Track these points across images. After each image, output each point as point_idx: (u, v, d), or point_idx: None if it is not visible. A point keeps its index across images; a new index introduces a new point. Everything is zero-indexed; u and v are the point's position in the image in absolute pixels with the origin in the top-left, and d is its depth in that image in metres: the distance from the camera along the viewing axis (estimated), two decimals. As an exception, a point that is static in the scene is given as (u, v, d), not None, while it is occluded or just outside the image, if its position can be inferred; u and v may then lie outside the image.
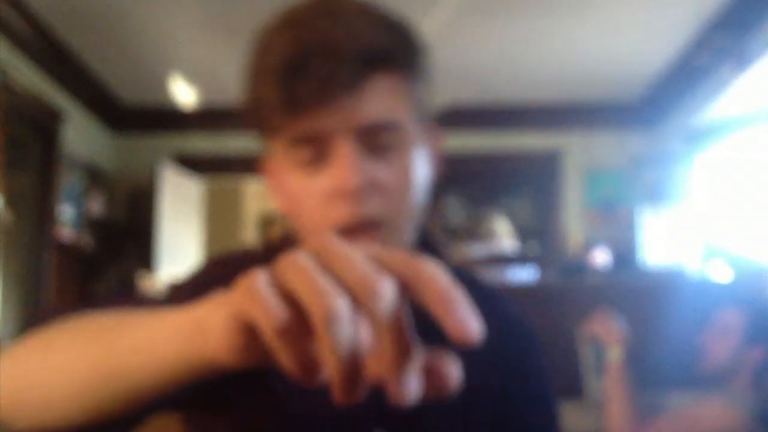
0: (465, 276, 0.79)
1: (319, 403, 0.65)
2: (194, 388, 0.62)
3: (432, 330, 0.73)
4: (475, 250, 3.08)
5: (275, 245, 0.76)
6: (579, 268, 3.65)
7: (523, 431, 0.74)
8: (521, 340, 0.77)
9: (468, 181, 5.04)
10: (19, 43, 3.53)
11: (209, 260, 0.76)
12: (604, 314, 1.84)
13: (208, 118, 4.84)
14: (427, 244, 0.76)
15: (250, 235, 6.69)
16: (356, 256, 0.34)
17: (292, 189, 0.66)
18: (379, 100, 0.62)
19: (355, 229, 0.63)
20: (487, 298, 0.78)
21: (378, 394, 0.66)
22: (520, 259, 3.40)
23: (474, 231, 3.23)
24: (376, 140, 0.63)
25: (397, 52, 0.63)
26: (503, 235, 3.24)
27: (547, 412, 0.77)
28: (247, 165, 4.99)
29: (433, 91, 0.70)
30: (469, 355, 0.71)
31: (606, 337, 1.80)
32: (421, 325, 0.71)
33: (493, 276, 2.82)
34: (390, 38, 0.63)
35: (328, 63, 0.59)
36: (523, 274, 2.93)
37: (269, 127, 0.65)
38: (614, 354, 1.77)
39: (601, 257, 4.21)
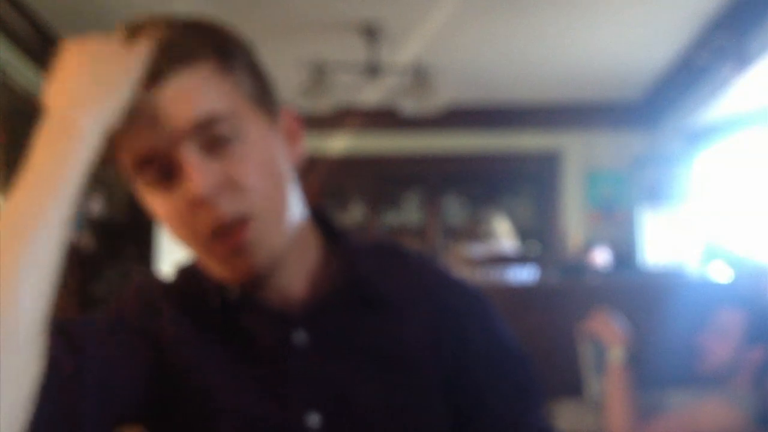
0: (389, 248, 0.79)
1: (254, 395, 0.67)
2: (149, 405, 0.66)
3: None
4: (474, 250, 3.08)
5: (183, 268, 0.77)
6: (579, 268, 3.65)
7: (477, 400, 0.73)
8: (459, 316, 0.76)
9: (468, 181, 5.04)
10: (19, 43, 3.52)
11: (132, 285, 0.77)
12: (605, 314, 1.84)
13: (208, 118, 4.84)
14: (320, 220, 0.76)
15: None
16: None
17: (155, 210, 0.66)
18: (193, 98, 0.62)
19: (224, 232, 0.63)
20: (416, 269, 0.77)
21: (312, 378, 0.67)
22: (520, 259, 3.39)
23: (474, 231, 3.23)
24: (210, 135, 0.62)
25: (191, 47, 0.63)
26: (503, 235, 3.24)
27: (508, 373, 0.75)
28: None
29: (261, 76, 0.69)
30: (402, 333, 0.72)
31: (607, 337, 1.80)
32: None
33: (493, 276, 2.82)
34: (184, 37, 0.64)
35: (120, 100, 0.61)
36: (523, 274, 2.93)
37: (110, 153, 0.65)
38: (615, 354, 1.77)
39: (601, 257, 4.21)
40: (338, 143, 4.82)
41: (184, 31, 0.66)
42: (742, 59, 3.35)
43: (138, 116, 0.61)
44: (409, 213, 5.01)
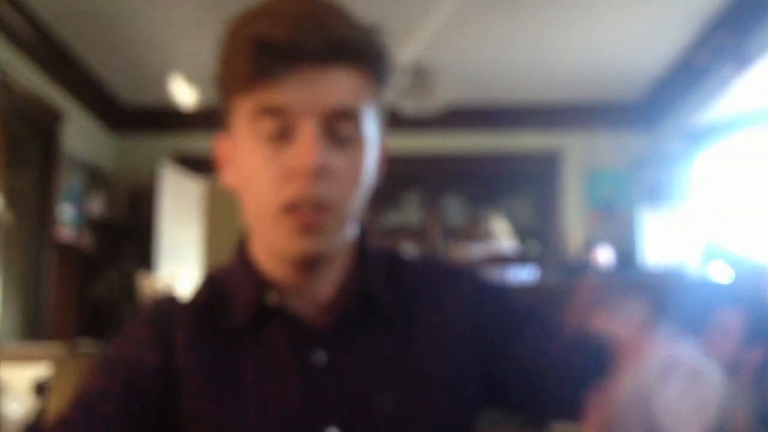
0: (394, 257, 0.80)
1: (273, 410, 0.69)
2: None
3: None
4: (474, 251, 3.08)
5: (207, 280, 0.79)
6: (581, 267, 3.65)
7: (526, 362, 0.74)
8: (481, 296, 0.79)
9: (468, 181, 5.04)
10: (19, 43, 3.53)
11: (152, 301, 0.79)
12: (605, 314, 1.84)
13: (208, 118, 4.83)
14: (363, 241, 0.78)
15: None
16: None
17: (250, 160, 0.68)
18: (343, 88, 0.66)
19: (303, 208, 0.65)
20: (423, 277, 0.80)
21: (330, 394, 0.69)
22: (520, 259, 3.40)
23: (472, 232, 3.23)
24: (335, 127, 0.66)
25: (363, 48, 0.67)
26: (502, 236, 3.24)
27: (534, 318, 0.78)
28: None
29: (389, 93, 0.74)
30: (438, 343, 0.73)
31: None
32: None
33: (492, 276, 2.81)
34: (357, 35, 0.67)
35: (300, 42, 0.63)
36: (523, 274, 2.93)
37: (238, 90, 0.67)
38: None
39: (603, 256, 4.21)
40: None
41: (357, 30, 0.68)
42: (742, 59, 3.35)
43: (291, 76, 0.64)
44: (409, 213, 5.01)
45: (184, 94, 4.36)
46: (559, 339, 0.75)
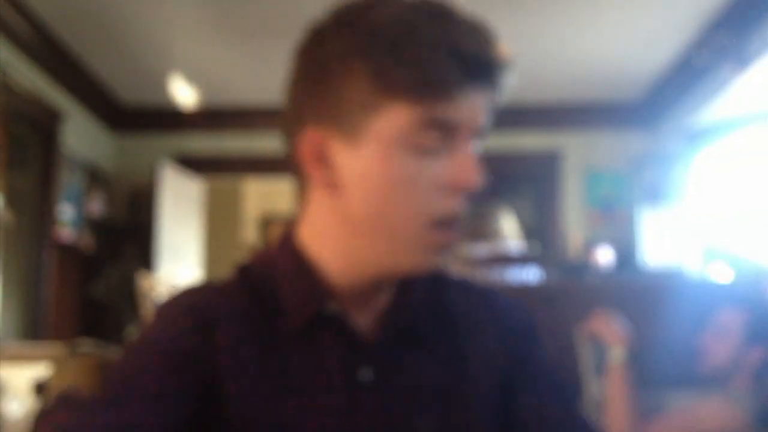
0: (437, 275, 0.79)
1: (315, 424, 0.67)
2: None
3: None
4: (477, 250, 3.05)
5: (245, 274, 0.74)
6: (582, 267, 3.65)
7: (538, 420, 0.75)
8: (520, 334, 0.79)
9: (468, 181, 5.03)
10: (19, 43, 3.53)
11: (183, 290, 0.74)
12: (605, 314, 1.84)
13: (208, 118, 4.84)
14: (402, 300, 0.77)
15: (250, 235, 6.69)
16: None
17: (391, 170, 0.63)
18: (487, 108, 0.68)
19: (451, 224, 0.66)
20: (483, 298, 0.80)
21: (374, 412, 0.68)
22: (522, 258, 3.38)
23: (479, 230, 3.18)
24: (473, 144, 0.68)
25: (504, 72, 0.67)
26: (510, 235, 3.19)
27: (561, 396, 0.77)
28: (247, 165, 5.00)
29: None
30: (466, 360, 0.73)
31: (607, 337, 1.80)
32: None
33: (494, 276, 2.80)
34: (504, 58, 0.67)
35: (487, 59, 0.63)
36: (527, 274, 2.91)
37: (400, 96, 0.62)
38: (616, 354, 1.77)
39: (604, 256, 4.21)
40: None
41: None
42: (742, 59, 3.35)
43: (470, 92, 0.64)
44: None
45: (184, 94, 4.36)
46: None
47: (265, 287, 0.71)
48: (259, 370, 0.67)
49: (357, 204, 0.66)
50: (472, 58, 0.62)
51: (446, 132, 0.64)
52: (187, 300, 0.71)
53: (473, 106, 0.64)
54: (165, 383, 0.64)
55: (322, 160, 0.67)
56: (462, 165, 0.65)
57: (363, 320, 0.71)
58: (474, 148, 0.66)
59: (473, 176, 0.65)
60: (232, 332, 0.68)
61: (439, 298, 0.76)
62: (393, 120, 0.62)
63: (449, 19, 0.63)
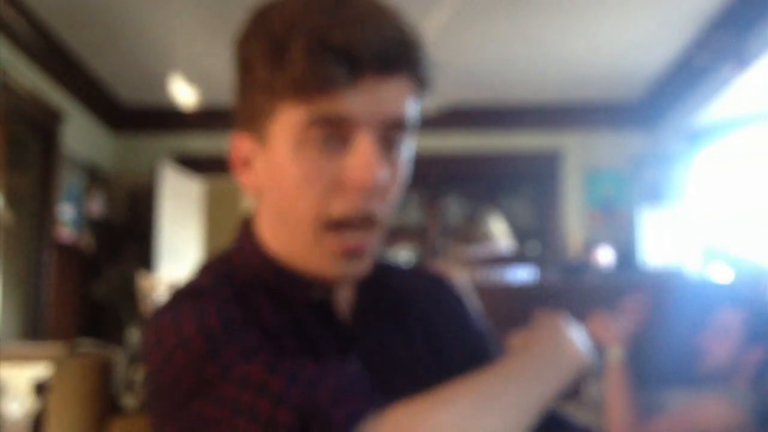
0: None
1: None
2: None
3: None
4: (473, 252, 3.09)
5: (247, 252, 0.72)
6: (582, 267, 3.65)
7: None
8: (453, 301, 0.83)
9: (468, 181, 5.04)
10: (19, 43, 3.53)
11: (205, 264, 0.73)
12: (604, 315, 1.84)
13: (208, 118, 4.84)
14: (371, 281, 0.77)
15: (250, 235, 6.69)
16: None
17: (291, 169, 0.62)
18: (399, 98, 0.63)
19: (354, 224, 0.62)
20: (413, 276, 0.82)
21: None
22: (520, 259, 3.39)
23: (470, 234, 3.23)
24: (388, 138, 0.63)
25: (416, 57, 0.64)
26: (500, 237, 3.24)
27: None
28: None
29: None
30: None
31: (605, 337, 1.80)
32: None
33: (492, 277, 2.82)
34: (412, 42, 0.63)
35: (363, 47, 0.59)
36: (523, 274, 2.93)
37: (286, 96, 0.61)
38: (613, 354, 1.77)
39: (604, 256, 4.21)
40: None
41: (410, 37, 0.64)
42: (742, 59, 3.35)
43: (352, 84, 0.60)
44: (408, 213, 5.01)
45: (184, 94, 4.36)
46: None
47: (245, 284, 0.69)
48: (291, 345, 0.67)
49: (271, 206, 0.67)
50: (347, 50, 0.58)
51: (339, 128, 0.60)
52: (219, 276, 0.70)
53: (369, 99, 0.60)
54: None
55: (246, 164, 0.68)
56: (353, 162, 0.61)
57: (341, 306, 0.72)
58: (375, 141, 0.61)
59: (363, 173, 0.60)
60: (271, 307, 0.70)
61: (382, 280, 0.77)
62: (284, 122, 0.62)
63: (333, 11, 0.60)
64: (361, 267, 0.66)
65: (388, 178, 0.63)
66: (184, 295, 0.66)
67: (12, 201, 3.48)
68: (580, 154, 4.87)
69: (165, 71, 4.20)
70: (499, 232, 3.28)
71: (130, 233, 4.60)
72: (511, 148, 4.83)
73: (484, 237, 3.19)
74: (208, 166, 4.94)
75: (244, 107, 0.66)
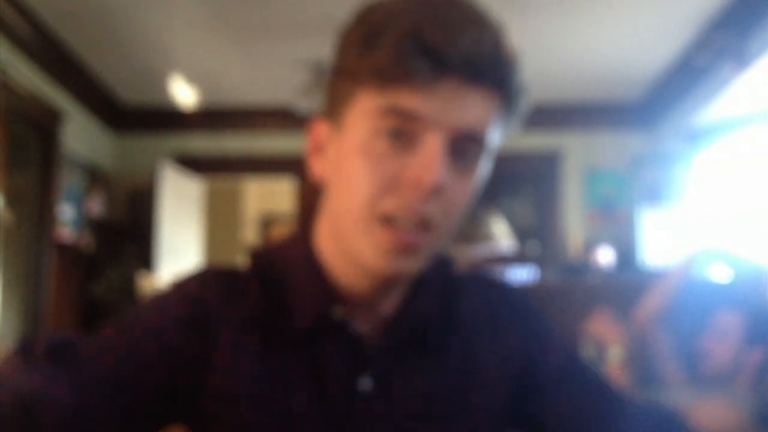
0: (446, 269, 0.78)
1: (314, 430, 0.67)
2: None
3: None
4: (474, 252, 3.08)
5: (260, 266, 0.73)
6: (582, 267, 3.65)
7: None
8: (539, 334, 0.79)
9: (468, 181, 5.03)
10: (19, 43, 3.53)
11: (200, 272, 0.73)
12: (605, 314, 1.84)
13: (208, 118, 4.84)
14: (411, 306, 0.74)
15: (250, 235, 6.69)
16: None
17: (358, 158, 0.61)
18: (479, 110, 0.61)
19: (402, 224, 0.61)
20: (500, 298, 0.79)
21: (373, 420, 0.67)
22: (520, 259, 3.38)
23: (471, 234, 3.22)
24: (460, 148, 0.62)
25: (507, 74, 0.63)
26: (501, 237, 3.24)
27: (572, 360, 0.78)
28: (247, 165, 5.00)
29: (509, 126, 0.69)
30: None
31: (606, 337, 1.80)
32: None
33: (494, 276, 2.82)
34: (506, 58, 0.63)
35: (455, 51, 0.58)
36: (524, 274, 2.93)
37: (369, 83, 0.60)
38: (614, 354, 1.77)
39: (604, 256, 4.21)
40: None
41: (509, 54, 0.64)
42: (742, 59, 3.35)
43: (435, 84, 0.59)
44: (409, 213, 5.01)
45: (184, 94, 4.36)
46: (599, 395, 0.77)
47: (276, 283, 0.70)
48: (258, 370, 0.66)
49: (331, 196, 0.66)
50: (435, 48, 0.57)
51: (411, 124, 0.60)
52: (196, 288, 0.69)
53: (447, 102, 0.59)
54: (129, 368, 0.63)
55: (319, 150, 0.68)
56: (416, 160, 0.60)
57: (369, 325, 0.70)
58: (443, 146, 0.60)
59: (422, 173, 0.59)
60: (236, 329, 0.67)
61: (451, 301, 0.75)
62: (361, 108, 0.61)
63: (434, 12, 0.59)
64: (412, 265, 0.64)
65: (448, 185, 0.61)
66: (183, 289, 0.70)
67: (12, 201, 3.48)
68: (580, 154, 4.87)
69: (165, 71, 4.19)
70: (500, 233, 3.28)
71: (130, 233, 4.60)
72: (511, 148, 4.82)
73: (485, 237, 3.18)
74: (208, 166, 4.94)
75: (328, 93, 0.66)
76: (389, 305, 0.70)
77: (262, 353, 0.67)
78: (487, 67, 0.60)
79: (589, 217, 4.80)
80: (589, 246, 4.49)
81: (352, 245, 0.64)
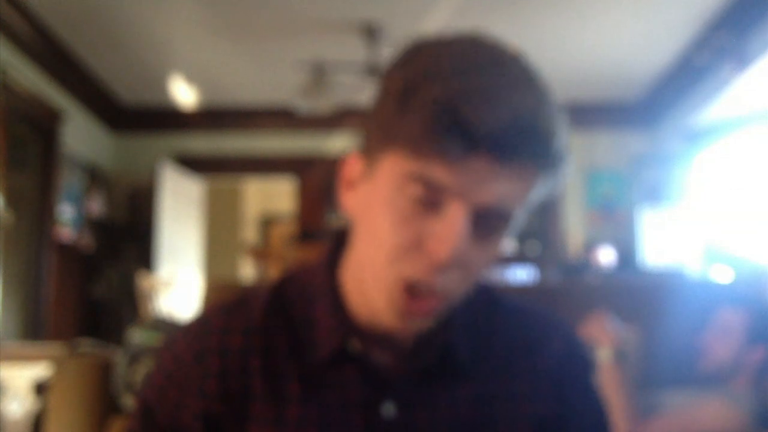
0: (486, 295, 0.77)
1: None
2: None
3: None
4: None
5: (280, 287, 0.74)
6: (582, 267, 3.65)
7: None
8: (574, 374, 0.76)
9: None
10: (19, 43, 3.53)
11: (210, 310, 0.74)
12: (599, 316, 1.84)
13: (208, 118, 4.84)
14: (435, 333, 0.71)
15: (250, 235, 6.70)
16: None
17: (386, 211, 0.61)
18: (507, 189, 0.59)
19: (419, 292, 0.61)
20: (538, 328, 0.76)
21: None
22: (520, 259, 3.40)
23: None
24: (484, 221, 0.60)
25: (543, 152, 0.61)
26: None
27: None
28: (247, 165, 5.00)
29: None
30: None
31: (596, 337, 1.80)
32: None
33: (492, 277, 2.82)
34: (540, 130, 0.61)
35: (490, 130, 0.56)
36: (523, 274, 2.93)
37: (399, 147, 0.60)
38: (603, 354, 1.77)
39: (605, 256, 4.21)
40: (338, 143, 4.82)
41: (550, 130, 0.62)
42: (742, 59, 3.35)
43: (464, 159, 0.57)
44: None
45: (184, 94, 4.36)
46: None
47: (297, 313, 0.71)
48: (279, 401, 0.68)
49: (360, 233, 0.66)
50: (471, 124, 0.55)
51: (436, 193, 0.59)
52: (199, 330, 0.71)
53: (476, 178, 0.57)
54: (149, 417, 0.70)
55: (352, 184, 0.67)
56: (436, 232, 0.59)
57: (387, 354, 0.69)
58: (466, 218, 0.59)
59: (442, 244, 0.58)
60: (252, 360, 0.69)
61: (485, 327, 0.73)
62: (392, 165, 0.61)
63: (479, 74, 0.58)
64: (424, 325, 0.65)
65: (468, 256, 0.60)
66: (191, 330, 0.73)
67: (12, 201, 3.48)
68: (580, 154, 4.87)
69: (165, 71, 4.20)
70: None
71: (130, 233, 4.60)
72: (511, 148, 4.83)
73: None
74: (208, 166, 4.95)
75: (367, 130, 0.65)
76: (410, 337, 0.69)
77: (282, 385, 0.68)
78: (523, 142, 0.58)
79: (589, 217, 4.80)
80: (589, 246, 4.49)
81: (370, 296, 0.64)
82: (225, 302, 0.73)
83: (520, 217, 0.63)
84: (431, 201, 0.59)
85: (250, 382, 0.68)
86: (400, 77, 0.60)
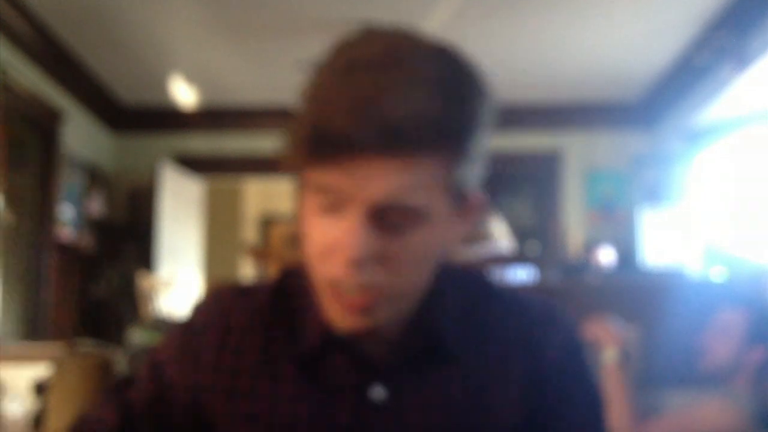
0: (476, 284, 0.77)
1: None
2: None
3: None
4: (473, 252, 3.09)
5: (282, 283, 0.76)
6: (582, 267, 3.65)
7: None
8: (558, 363, 0.76)
9: (468, 181, 5.03)
10: (19, 43, 3.53)
11: (210, 296, 0.77)
12: (601, 318, 1.84)
13: (208, 118, 4.84)
14: (422, 320, 0.72)
15: (250, 235, 6.69)
16: None
17: (308, 228, 0.65)
18: (394, 182, 0.60)
19: (346, 291, 0.63)
20: (502, 312, 0.76)
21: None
22: (520, 259, 3.38)
23: (471, 234, 3.23)
24: (387, 217, 0.61)
25: (428, 135, 0.60)
26: (500, 237, 3.25)
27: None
28: (247, 165, 5.00)
29: (478, 164, 0.69)
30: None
31: (601, 338, 1.80)
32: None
33: (492, 277, 2.82)
34: (444, 115, 0.61)
35: (354, 134, 0.58)
36: (523, 274, 2.93)
37: (299, 167, 0.64)
38: (609, 355, 1.77)
39: (605, 256, 4.21)
40: (338, 143, 4.82)
41: (446, 105, 0.62)
42: (742, 59, 3.35)
43: (345, 163, 0.60)
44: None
45: (184, 94, 4.36)
46: None
47: (296, 303, 0.74)
48: (274, 379, 0.71)
49: None
50: (344, 132, 0.58)
51: (335, 198, 0.62)
52: (201, 319, 0.76)
53: (362, 177, 0.59)
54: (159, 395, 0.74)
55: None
56: (342, 232, 0.61)
57: (380, 343, 0.70)
58: (363, 217, 0.60)
59: (344, 245, 0.60)
60: (247, 350, 0.72)
61: (478, 317, 0.74)
62: (304, 178, 0.65)
63: (334, 98, 0.60)
64: (373, 320, 0.65)
65: (386, 249, 0.61)
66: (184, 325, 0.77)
67: (12, 201, 3.48)
68: (580, 154, 4.87)
69: (165, 71, 4.20)
70: (500, 232, 3.29)
71: (130, 233, 4.60)
72: (511, 148, 4.83)
73: (485, 237, 3.19)
74: (208, 166, 4.95)
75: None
76: (392, 326, 0.70)
77: (273, 374, 0.71)
78: (408, 134, 0.58)
79: (589, 217, 4.80)
80: (589, 246, 4.49)
81: (321, 303, 0.68)
82: (237, 284, 0.79)
83: (440, 198, 0.63)
84: (333, 206, 0.62)
85: (247, 358, 0.72)
86: (302, 94, 0.65)
